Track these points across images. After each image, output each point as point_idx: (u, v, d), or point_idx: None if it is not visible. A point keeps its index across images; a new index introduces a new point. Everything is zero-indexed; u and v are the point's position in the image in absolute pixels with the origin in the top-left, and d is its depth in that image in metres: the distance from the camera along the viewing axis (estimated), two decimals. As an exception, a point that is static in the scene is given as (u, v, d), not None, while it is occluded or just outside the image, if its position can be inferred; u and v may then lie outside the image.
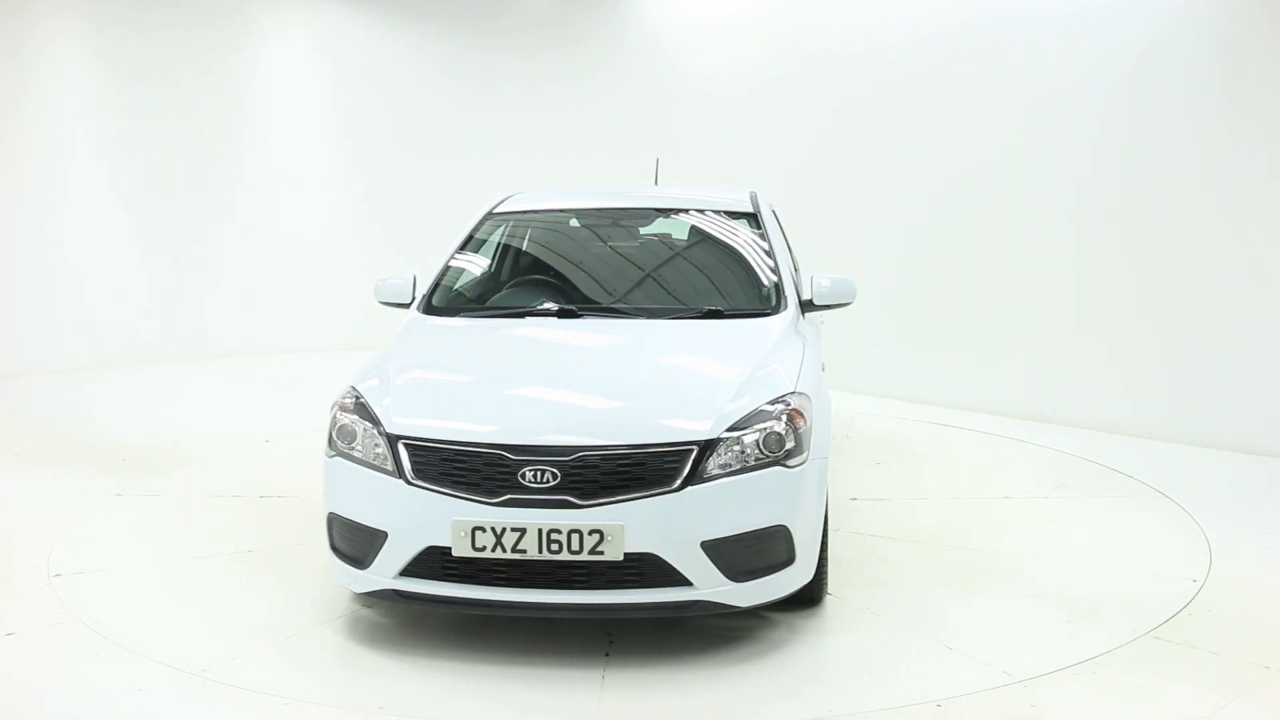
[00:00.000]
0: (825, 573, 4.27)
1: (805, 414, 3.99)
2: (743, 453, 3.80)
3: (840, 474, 6.23)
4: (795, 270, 6.00)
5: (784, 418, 3.90)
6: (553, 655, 3.94)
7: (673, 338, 4.57)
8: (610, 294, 5.07)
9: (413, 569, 3.80)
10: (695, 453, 3.75)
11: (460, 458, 3.78)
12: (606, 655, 3.94)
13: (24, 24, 9.02)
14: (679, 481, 3.71)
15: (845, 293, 4.97)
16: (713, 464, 3.76)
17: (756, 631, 4.14)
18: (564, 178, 9.71)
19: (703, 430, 3.79)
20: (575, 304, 4.87)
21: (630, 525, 3.65)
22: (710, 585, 3.74)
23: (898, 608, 4.39)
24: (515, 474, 3.70)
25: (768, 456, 3.83)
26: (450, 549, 3.72)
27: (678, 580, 3.71)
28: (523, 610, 3.80)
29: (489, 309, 5.03)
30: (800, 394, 4.06)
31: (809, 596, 4.23)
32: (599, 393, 4.12)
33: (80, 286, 9.47)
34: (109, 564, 4.85)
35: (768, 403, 3.94)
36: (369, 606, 4.31)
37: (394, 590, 3.86)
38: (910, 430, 7.55)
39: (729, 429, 3.82)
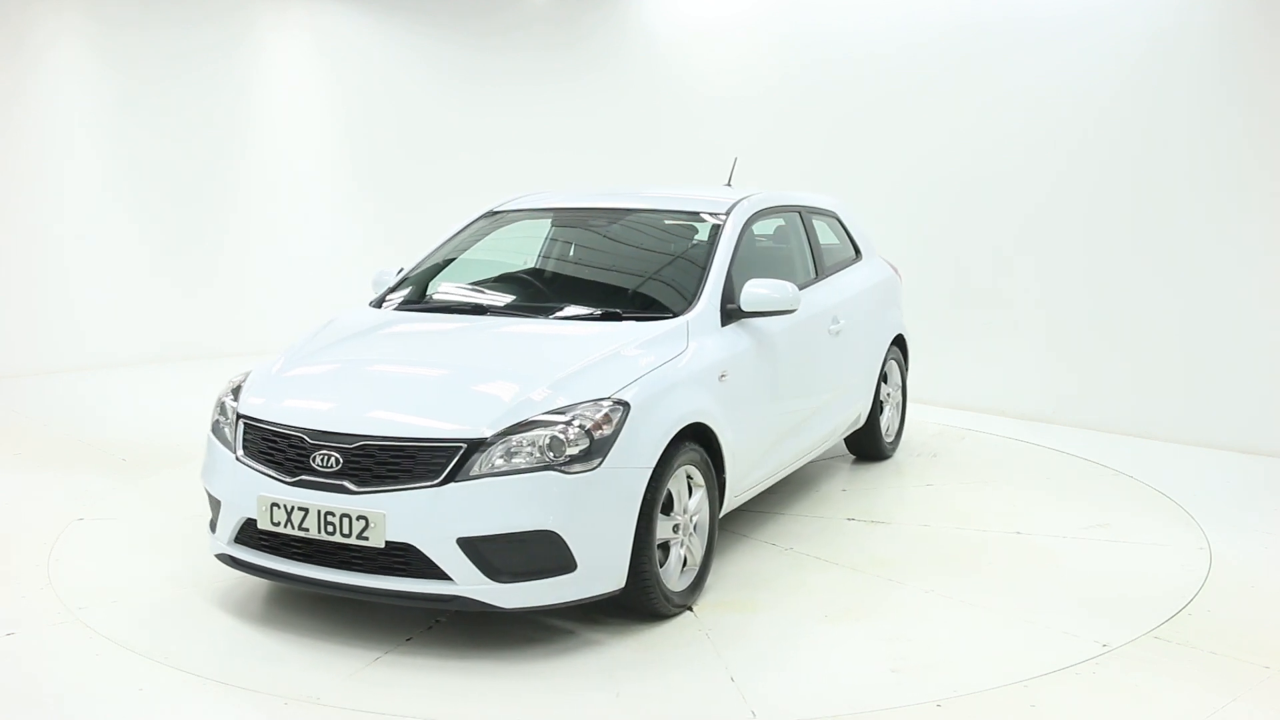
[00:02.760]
0: (649, 586, 4.05)
1: (612, 421, 3.93)
2: (528, 453, 3.81)
3: (875, 494, 6.02)
4: (817, 276, 5.90)
5: (577, 422, 3.88)
6: (352, 635, 4.05)
7: (532, 338, 4.60)
8: (534, 294, 5.19)
9: (239, 538, 4.14)
10: (463, 450, 3.81)
11: (273, 438, 4.09)
12: (408, 640, 4.01)
13: (24, 23, 9.02)
14: (442, 477, 3.79)
15: (783, 300, 4.77)
16: (482, 463, 3.79)
17: (561, 640, 4.05)
18: (564, 177, 9.71)
19: (476, 429, 3.84)
20: (499, 303, 5.02)
21: (391, 515, 3.78)
22: (470, 582, 3.78)
23: (743, 635, 4.13)
24: (309, 457, 3.94)
25: (546, 460, 3.81)
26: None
27: (438, 574, 3.79)
28: (307, 585, 4.01)
29: (420, 305, 5.15)
30: (617, 401, 3.99)
31: (648, 610, 4.14)
32: (408, 387, 4.26)
33: (80, 286, 9.45)
34: (109, 564, 4.85)
35: (573, 405, 3.93)
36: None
37: (229, 555, 4.19)
38: (996, 448, 7.02)
39: (505, 430, 3.84)
